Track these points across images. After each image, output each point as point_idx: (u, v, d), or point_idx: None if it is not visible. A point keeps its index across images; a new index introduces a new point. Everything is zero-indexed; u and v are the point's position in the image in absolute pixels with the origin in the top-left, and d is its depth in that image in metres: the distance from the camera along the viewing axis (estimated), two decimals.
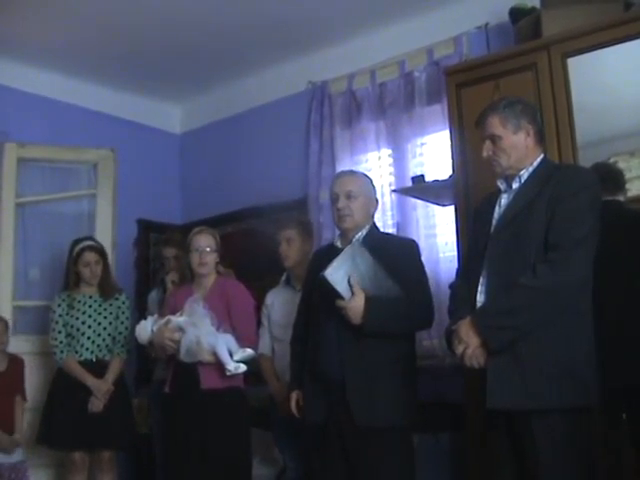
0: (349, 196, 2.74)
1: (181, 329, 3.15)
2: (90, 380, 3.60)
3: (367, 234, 2.74)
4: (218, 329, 3.14)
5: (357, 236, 2.73)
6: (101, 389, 3.59)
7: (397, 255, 2.64)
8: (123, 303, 3.83)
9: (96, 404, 3.57)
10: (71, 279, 3.78)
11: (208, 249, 3.28)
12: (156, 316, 3.35)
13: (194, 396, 3.11)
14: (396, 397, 2.54)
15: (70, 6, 3.87)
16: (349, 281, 2.51)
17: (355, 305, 2.51)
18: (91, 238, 3.97)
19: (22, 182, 4.34)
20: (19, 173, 4.31)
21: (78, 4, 3.85)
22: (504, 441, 2.22)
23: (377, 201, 2.85)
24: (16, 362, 3.86)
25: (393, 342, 2.58)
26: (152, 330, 3.24)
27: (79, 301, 3.75)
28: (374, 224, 2.84)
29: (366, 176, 2.93)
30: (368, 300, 2.51)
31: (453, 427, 3.35)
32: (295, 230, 3.41)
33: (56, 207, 4.51)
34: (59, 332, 3.70)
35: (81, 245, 3.80)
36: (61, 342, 3.69)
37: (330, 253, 2.69)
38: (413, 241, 2.92)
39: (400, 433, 2.57)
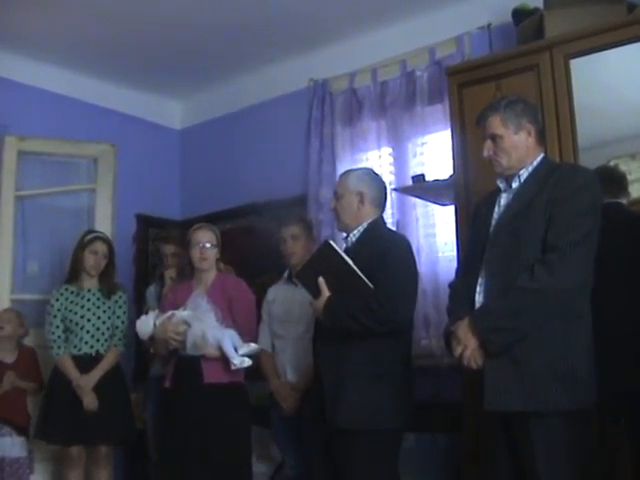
0: (336, 197, 2.78)
1: (186, 323, 3.16)
2: (76, 378, 3.55)
3: (362, 232, 2.70)
4: (221, 324, 3.15)
5: (351, 235, 2.72)
6: (84, 387, 3.53)
7: (380, 252, 2.57)
8: (120, 297, 3.81)
9: (86, 402, 3.51)
10: (79, 267, 3.74)
11: (209, 244, 3.30)
12: (157, 311, 3.35)
13: (196, 390, 3.11)
14: (362, 399, 2.48)
15: (72, 0, 3.86)
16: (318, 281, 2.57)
17: (318, 303, 2.57)
18: (102, 233, 3.96)
19: (22, 175, 4.33)
20: (19, 166, 4.30)
21: None
22: (501, 442, 2.22)
23: (375, 192, 2.73)
24: (27, 352, 3.88)
25: (364, 343, 2.51)
26: (155, 325, 3.24)
27: (77, 294, 3.74)
28: (375, 221, 2.73)
29: (356, 171, 2.85)
30: (328, 298, 2.54)
31: (450, 427, 3.34)
32: (299, 227, 3.42)
33: (56, 201, 4.50)
34: (57, 326, 3.69)
35: (95, 234, 3.84)
36: (59, 337, 3.67)
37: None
38: (402, 237, 2.82)
39: (369, 435, 2.47)
